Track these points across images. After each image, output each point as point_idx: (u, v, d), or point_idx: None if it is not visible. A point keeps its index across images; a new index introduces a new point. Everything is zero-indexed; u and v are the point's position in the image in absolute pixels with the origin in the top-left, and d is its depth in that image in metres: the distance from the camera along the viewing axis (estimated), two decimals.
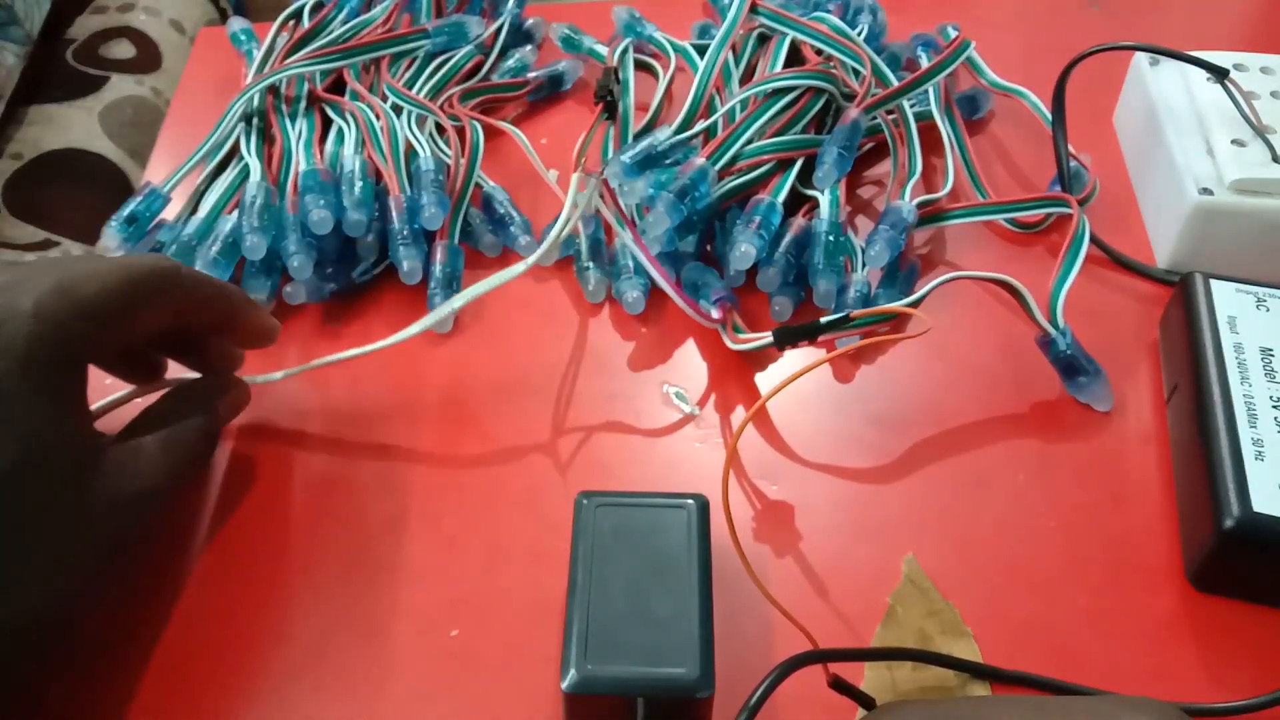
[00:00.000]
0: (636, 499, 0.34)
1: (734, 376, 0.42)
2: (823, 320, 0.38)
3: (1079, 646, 0.34)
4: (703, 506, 0.34)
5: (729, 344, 0.41)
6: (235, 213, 0.44)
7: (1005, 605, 0.35)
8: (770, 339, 0.39)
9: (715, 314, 0.41)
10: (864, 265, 0.42)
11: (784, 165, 0.45)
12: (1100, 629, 0.35)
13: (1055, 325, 0.40)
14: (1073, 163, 0.48)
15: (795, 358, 0.42)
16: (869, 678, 0.34)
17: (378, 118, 0.48)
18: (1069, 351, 0.40)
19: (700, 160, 0.42)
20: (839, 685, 0.31)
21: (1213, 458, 0.35)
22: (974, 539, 0.37)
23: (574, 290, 0.45)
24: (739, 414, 0.41)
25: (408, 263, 0.43)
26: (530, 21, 0.57)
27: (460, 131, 0.48)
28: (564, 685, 0.30)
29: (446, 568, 0.36)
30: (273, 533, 0.38)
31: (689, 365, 0.43)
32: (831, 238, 0.42)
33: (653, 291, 0.44)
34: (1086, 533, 0.37)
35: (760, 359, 0.42)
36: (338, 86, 0.52)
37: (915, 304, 0.40)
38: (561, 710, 0.32)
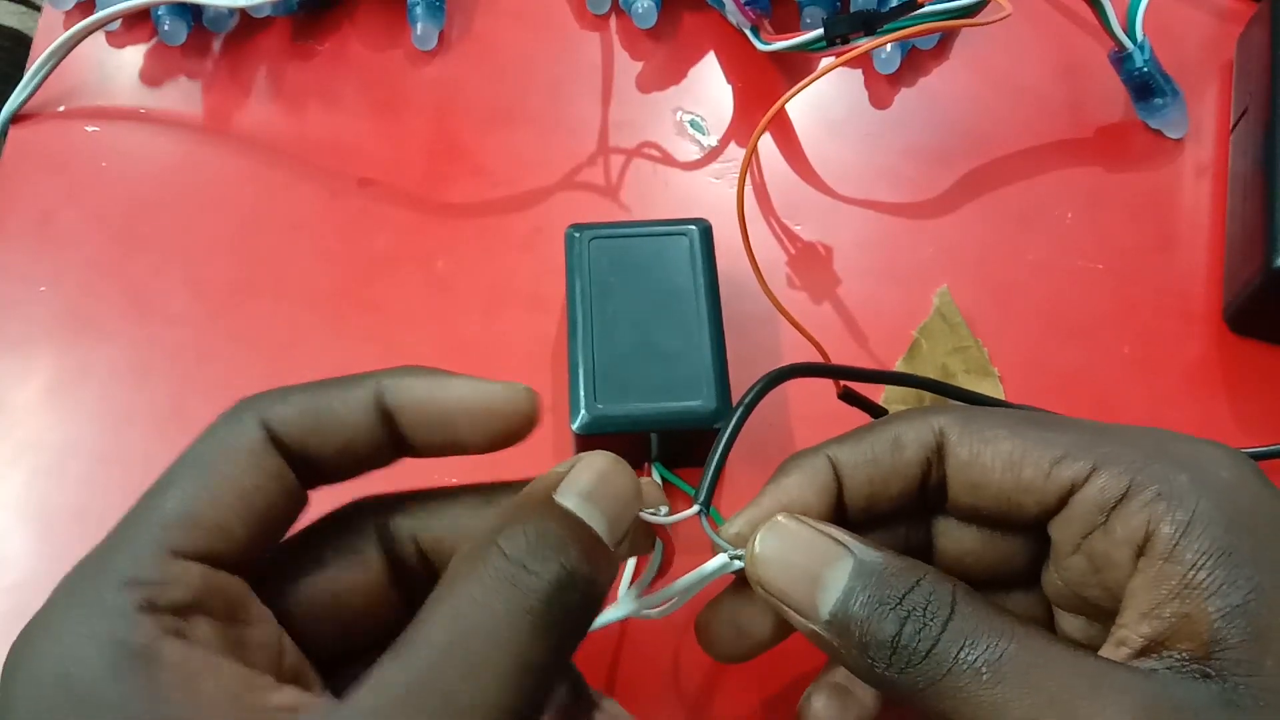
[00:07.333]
0: (632, 229, 0.31)
1: (760, 101, 0.38)
2: (884, 7, 0.33)
3: (1114, 393, 0.33)
4: (705, 231, 0.31)
5: (759, 46, 0.36)
6: None
7: (1040, 350, 0.33)
8: (819, 34, 0.34)
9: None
10: None
11: None
12: (1138, 377, 0.33)
13: (1133, 38, 0.35)
14: None
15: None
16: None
17: None
18: (1146, 69, 0.36)
19: None
20: (849, 396, 0.30)
21: (1275, 188, 0.32)
22: (1013, 281, 0.34)
23: None
24: (765, 144, 0.37)
25: None
26: None
27: None
28: (574, 427, 0.28)
29: (441, 312, 0.34)
30: (244, 263, 0.35)
31: (708, 89, 0.38)
32: None
33: (665, 1, 0.38)
34: (1134, 276, 0.35)
35: (790, 79, 0.38)
36: None
37: None
38: (572, 454, 0.30)
